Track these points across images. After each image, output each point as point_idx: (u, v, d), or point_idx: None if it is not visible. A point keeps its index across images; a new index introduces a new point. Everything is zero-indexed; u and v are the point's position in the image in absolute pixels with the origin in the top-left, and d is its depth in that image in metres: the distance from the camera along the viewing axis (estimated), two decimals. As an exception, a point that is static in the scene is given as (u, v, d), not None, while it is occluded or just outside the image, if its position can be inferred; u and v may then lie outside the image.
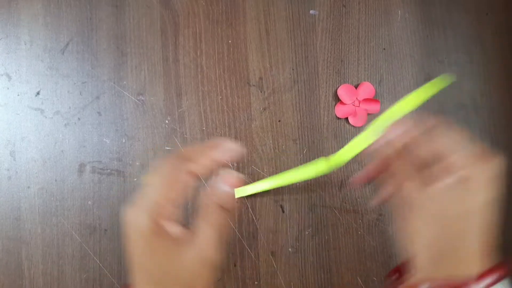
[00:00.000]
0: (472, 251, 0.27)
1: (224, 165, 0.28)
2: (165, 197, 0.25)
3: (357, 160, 0.55)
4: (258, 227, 0.54)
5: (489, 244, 0.28)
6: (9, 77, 0.55)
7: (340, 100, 0.55)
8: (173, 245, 0.25)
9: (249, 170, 0.55)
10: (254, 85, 0.56)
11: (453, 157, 0.28)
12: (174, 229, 0.25)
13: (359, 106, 0.55)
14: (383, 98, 0.56)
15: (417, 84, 0.57)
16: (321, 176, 0.55)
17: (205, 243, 0.26)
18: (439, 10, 0.58)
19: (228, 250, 0.54)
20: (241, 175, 0.28)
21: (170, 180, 0.25)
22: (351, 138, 0.56)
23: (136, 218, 0.25)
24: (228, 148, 0.28)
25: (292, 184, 0.55)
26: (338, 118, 0.56)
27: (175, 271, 0.25)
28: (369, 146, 0.33)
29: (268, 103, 0.56)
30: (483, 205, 0.27)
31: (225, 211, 0.27)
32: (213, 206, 0.27)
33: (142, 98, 0.55)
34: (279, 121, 0.55)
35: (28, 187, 0.53)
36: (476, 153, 0.28)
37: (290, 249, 0.54)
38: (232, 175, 0.27)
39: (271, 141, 0.55)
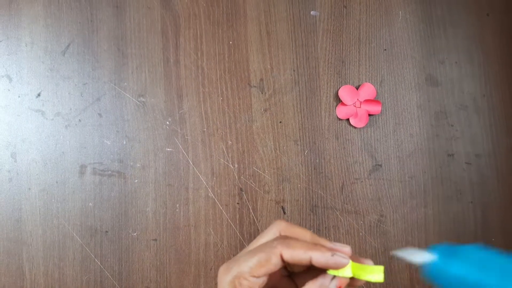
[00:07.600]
0: None
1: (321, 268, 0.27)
2: (251, 269, 0.27)
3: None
4: (259, 228, 0.54)
5: None
6: (10, 79, 0.54)
7: (341, 101, 0.55)
8: None
9: (250, 171, 0.55)
10: (255, 86, 0.56)
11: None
12: None
13: (360, 107, 0.55)
14: (384, 99, 0.56)
15: (418, 84, 0.57)
16: (322, 177, 0.55)
17: None
18: (440, 10, 0.58)
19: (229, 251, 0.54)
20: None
21: (262, 257, 0.27)
22: (352, 139, 0.56)
23: (222, 275, 0.28)
24: (334, 259, 0.27)
25: (293, 185, 0.55)
26: (339, 119, 0.56)
27: None
28: None
29: (269, 104, 0.55)
30: None
31: None
32: None
33: (143, 100, 0.55)
34: (280, 122, 0.55)
35: (29, 189, 0.53)
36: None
37: (291, 250, 0.54)
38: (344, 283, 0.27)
39: (272, 142, 0.55)
